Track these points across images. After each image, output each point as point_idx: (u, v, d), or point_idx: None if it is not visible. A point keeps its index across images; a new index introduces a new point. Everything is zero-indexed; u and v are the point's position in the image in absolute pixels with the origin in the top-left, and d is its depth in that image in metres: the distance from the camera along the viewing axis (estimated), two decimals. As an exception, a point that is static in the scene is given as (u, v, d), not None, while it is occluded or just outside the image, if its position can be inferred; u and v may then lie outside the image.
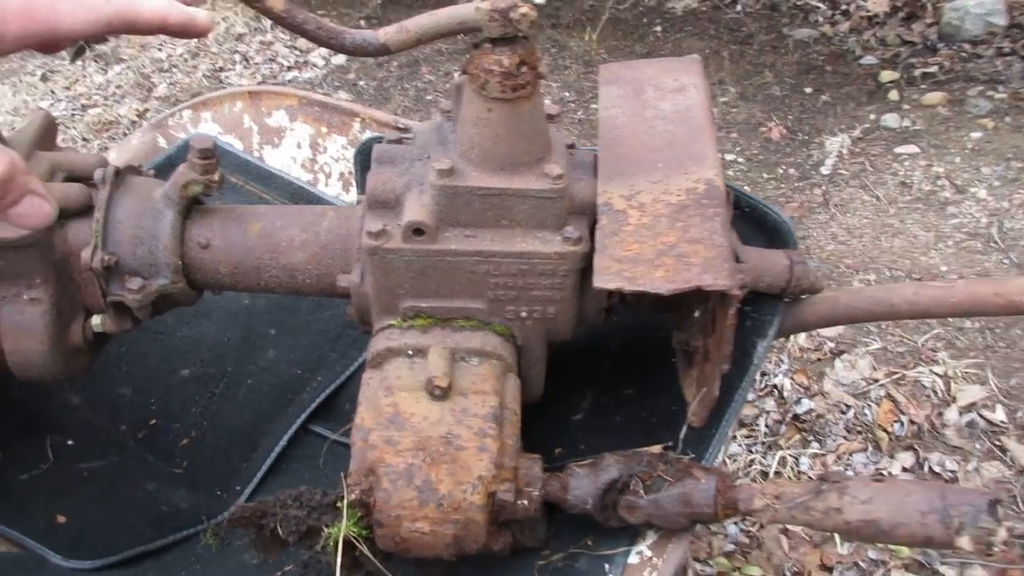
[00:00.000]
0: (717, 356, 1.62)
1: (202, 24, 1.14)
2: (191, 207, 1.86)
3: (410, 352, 1.72)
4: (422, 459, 1.58)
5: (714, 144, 1.69)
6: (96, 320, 1.85)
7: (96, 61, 6.88)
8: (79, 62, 6.83)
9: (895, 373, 3.16)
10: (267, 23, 6.84)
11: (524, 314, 1.77)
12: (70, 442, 2.27)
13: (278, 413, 2.37)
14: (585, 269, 1.71)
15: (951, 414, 2.74)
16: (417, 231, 1.64)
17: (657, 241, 1.49)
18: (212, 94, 2.85)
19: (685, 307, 1.83)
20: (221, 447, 2.34)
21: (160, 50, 6.82)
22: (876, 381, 3.16)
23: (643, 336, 2.16)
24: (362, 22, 6.85)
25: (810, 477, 2.90)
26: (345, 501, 1.60)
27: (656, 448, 1.66)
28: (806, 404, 3.05)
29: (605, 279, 1.45)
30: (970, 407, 2.77)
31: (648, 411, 1.97)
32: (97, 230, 1.74)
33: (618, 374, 2.10)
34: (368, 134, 2.65)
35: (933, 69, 4.58)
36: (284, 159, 2.84)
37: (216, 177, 1.80)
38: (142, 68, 6.56)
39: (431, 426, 1.62)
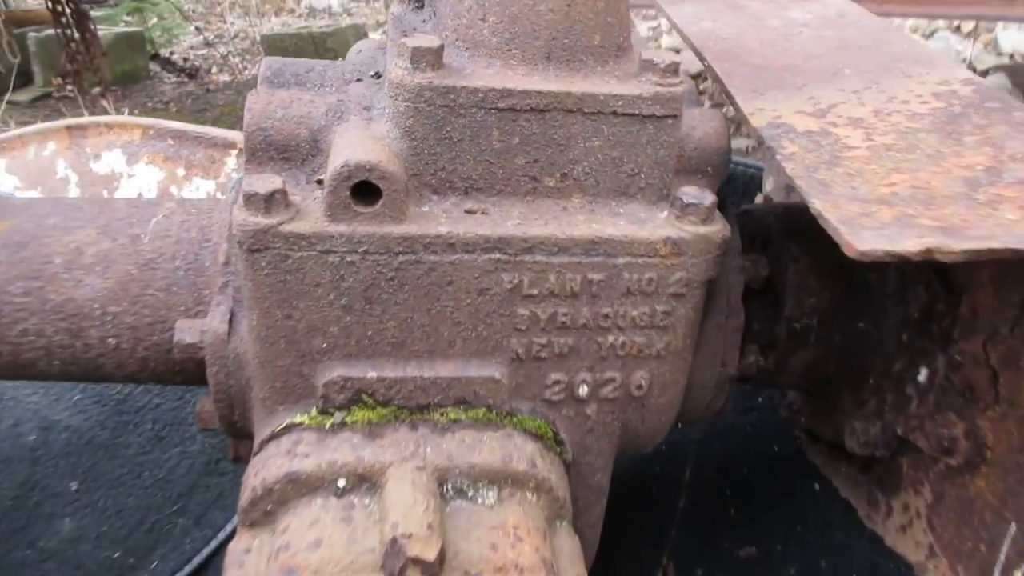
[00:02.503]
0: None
1: None
2: None
3: (342, 483, 0.75)
4: None
5: (921, 43, 0.89)
6: None
7: None
8: None
9: None
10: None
11: (585, 388, 0.84)
12: None
13: (70, 637, 1.30)
14: (711, 283, 0.82)
15: None
16: (362, 190, 0.72)
17: (947, 165, 0.64)
18: (12, 132, 1.90)
19: (880, 360, 0.94)
20: None
21: None
22: None
23: (735, 449, 1.25)
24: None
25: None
26: None
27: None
28: None
29: (897, 240, 0.56)
30: None
31: (798, 587, 1.03)
32: None
33: (706, 517, 1.17)
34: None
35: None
36: (115, 220, 1.84)
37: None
38: None
39: (402, 664, 0.63)
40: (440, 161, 0.76)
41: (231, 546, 0.79)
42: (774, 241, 0.98)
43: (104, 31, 7.24)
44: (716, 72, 0.88)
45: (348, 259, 0.75)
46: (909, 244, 0.55)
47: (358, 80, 0.87)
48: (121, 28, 7.95)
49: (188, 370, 0.88)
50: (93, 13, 7.13)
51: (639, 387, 0.85)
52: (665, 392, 0.87)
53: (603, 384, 0.85)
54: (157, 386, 1.66)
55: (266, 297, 0.76)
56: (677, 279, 0.79)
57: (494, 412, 0.83)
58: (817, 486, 1.13)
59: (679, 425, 1.13)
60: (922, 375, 0.90)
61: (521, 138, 0.76)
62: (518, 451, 0.81)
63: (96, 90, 7.05)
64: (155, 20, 8.75)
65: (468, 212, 0.78)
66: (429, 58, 0.73)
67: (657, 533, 1.17)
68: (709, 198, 0.78)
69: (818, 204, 0.62)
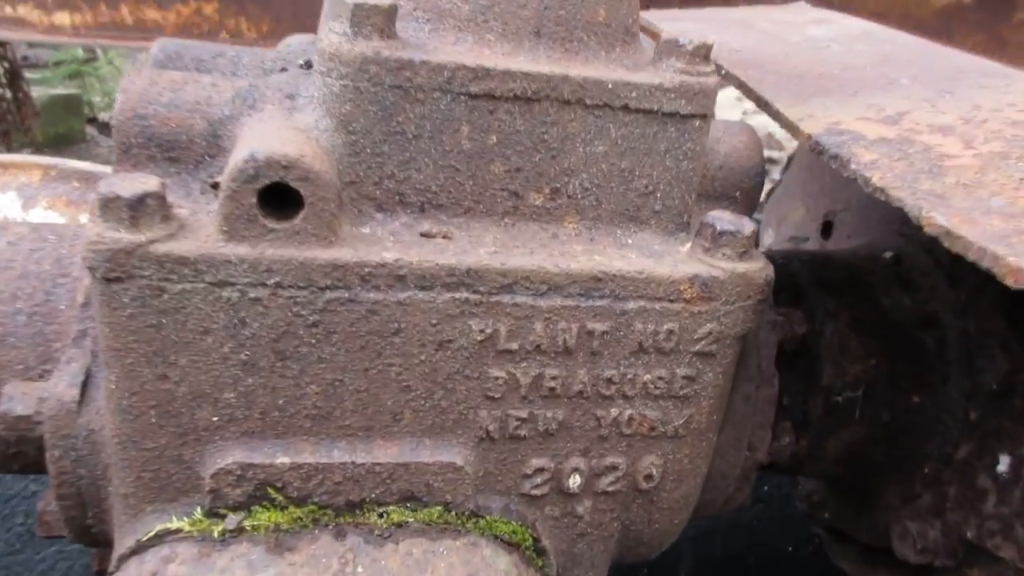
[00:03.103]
0: None
1: None
2: None
3: (232, 620, 0.51)
4: None
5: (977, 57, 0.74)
6: None
7: None
8: None
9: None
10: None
11: (577, 479, 0.63)
12: None
13: None
14: (745, 338, 0.62)
15: None
16: (275, 197, 0.51)
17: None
18: None
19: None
20: None
21: None
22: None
23: (739, 549, 1.03)
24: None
25: None
26: None
27: None
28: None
29: None
30: None
31: None
32: None
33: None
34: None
35: None
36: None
37: None
38: None
39: None
40: (388, 165, 0.56)
41: None
42: (805, 294, 0.79)
43: (40, 93, 6.99)
44: (741, 79, 0.70)
45: (252, 295, 0.53)
46: None
47: (283, 70, 0.66)
48: (59, 91, 7.70)
49: (26, 454, 0.63)
50: (29, 75, 6.88)
51: (648, 477, 0.64)
52: (681, 484, 0.65)
53: (601, 473, 0.63)
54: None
55: (131, 349, 0.53)
56: (705, 333, 0.59)
57: (454, 512, 0.61)
58: (847, 599, 0.91)
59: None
60: (1003, 464, 0.71)
61: (499, 137, 0.56)
62: (487, 568, 0.58)
63: (26, 151, 6.75)
64: (96, 84, 8.51)
65: (425, 236, 0.57)
66: (377, 20, 0.53)
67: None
68: (748, 226, 0.59)
69: (942, 219, 0.43)
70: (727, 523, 1.08)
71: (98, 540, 0.65)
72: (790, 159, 1.17)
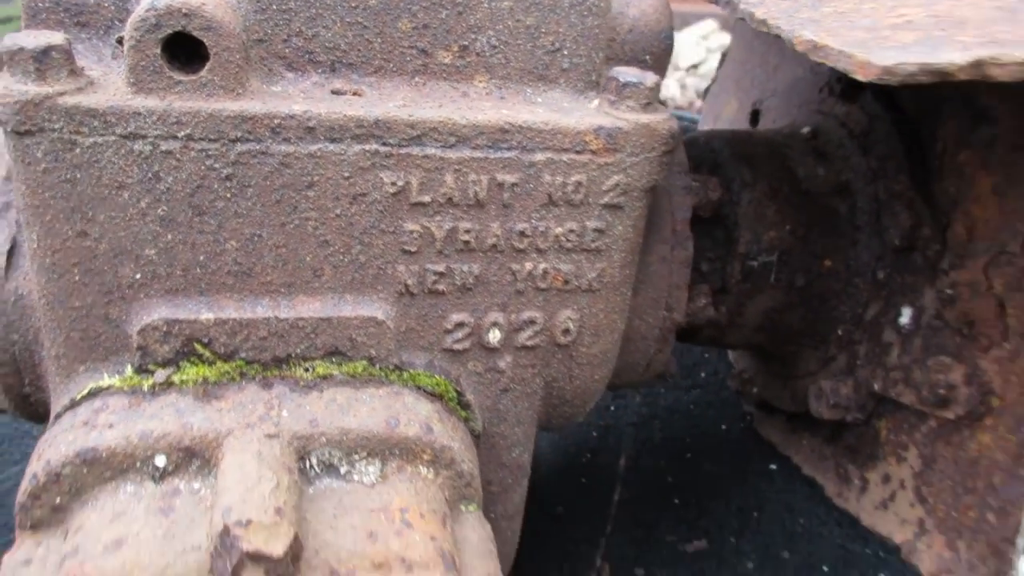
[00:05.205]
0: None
1: None
2: None
3: (161, 461, 0.53)
4: None
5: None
6: None
7: None
8: None
9: None
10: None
11: (497, 333, 0.66)
12: None
13: None
14: (653, 195, 0.65)
15: None
16: (180, 50, 0.52)
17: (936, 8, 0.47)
18: None
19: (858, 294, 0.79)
20: None
21: None
22: None
23: (677, 431, 1.08)
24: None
25: None
26: None
27: None
28: None
29: (935, 53, 0.39)
30: None
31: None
32: None
33: (646, 510, 1.00)
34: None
35: None
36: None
37: None
38: None
39: None
40: (295, 21, 0.57)
41: (6, 557, 0.57)
42: (723, 166, 0.82)
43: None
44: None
45: (164, 148, 0.54)
46: (954, 56, 0.39)
47: None
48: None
49: None
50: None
51: (566, 331, 0.67)
52: (598, 339, 0.68)
53: (520, 328, 0.66)
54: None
55: (48, 205, 0.54)
56: (612, 184, 0.62)
57: (378, 366, 0.63)
58: (774, 466, 0.97)
59: (612, 403, 0.96)
60: (905, 316, 0.75)
61: None
62: (408, 412, 0.61)
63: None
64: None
65: (335, 93, 0.59)
66: None
67: (590, 530, 0.99)
68: (651, 78, 0.61)
69: (809, 34, 0.46)
70: (666, 409, 1.12)
71: (36, 410, 0.67)
72: (724, 55, 1.18)
